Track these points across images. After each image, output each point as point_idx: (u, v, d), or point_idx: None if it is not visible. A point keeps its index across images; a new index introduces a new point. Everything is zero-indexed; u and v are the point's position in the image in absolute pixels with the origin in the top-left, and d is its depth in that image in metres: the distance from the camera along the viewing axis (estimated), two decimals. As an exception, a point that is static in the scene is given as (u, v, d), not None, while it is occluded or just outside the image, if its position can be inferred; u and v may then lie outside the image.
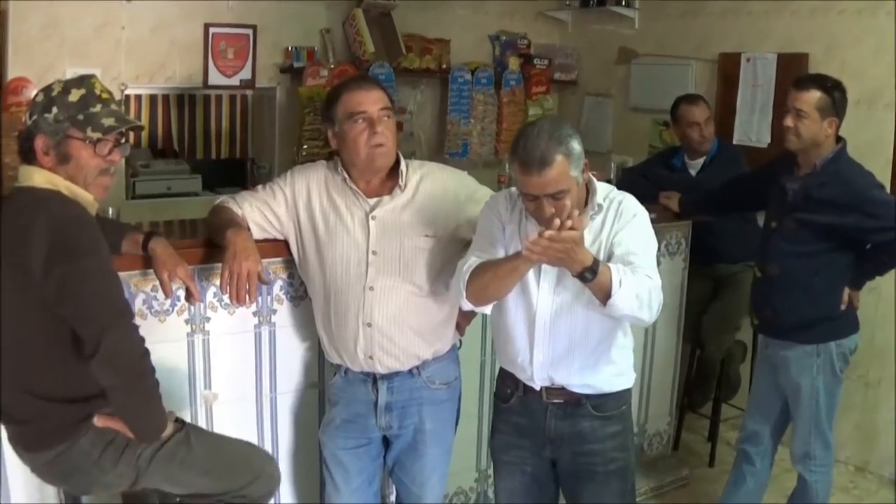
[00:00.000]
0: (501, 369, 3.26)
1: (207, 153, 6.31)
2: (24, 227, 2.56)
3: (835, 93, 3.80)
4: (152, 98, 6.01)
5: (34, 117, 2.66)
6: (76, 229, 2.62)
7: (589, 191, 2.97)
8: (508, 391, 3.18)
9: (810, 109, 3.77)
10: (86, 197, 2.72)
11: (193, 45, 5.64)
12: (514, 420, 3.17)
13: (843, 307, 3.92)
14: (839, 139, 3.88)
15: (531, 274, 2.93)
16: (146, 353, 2.68)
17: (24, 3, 5.00)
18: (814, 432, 4.02)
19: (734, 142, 5.67)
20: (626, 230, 2.90)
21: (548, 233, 2.61)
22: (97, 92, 2.72)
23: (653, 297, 2.79)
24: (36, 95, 2.71)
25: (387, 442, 3.48)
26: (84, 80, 2.74)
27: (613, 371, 3.06)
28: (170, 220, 4.19)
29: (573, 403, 3.05)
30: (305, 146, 5.86)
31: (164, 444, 2.86)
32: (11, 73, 5.01)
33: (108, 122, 2.71)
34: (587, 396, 3.04)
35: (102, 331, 2.55)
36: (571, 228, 2.62)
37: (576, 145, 2.79)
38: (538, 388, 3.07)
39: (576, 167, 2.79)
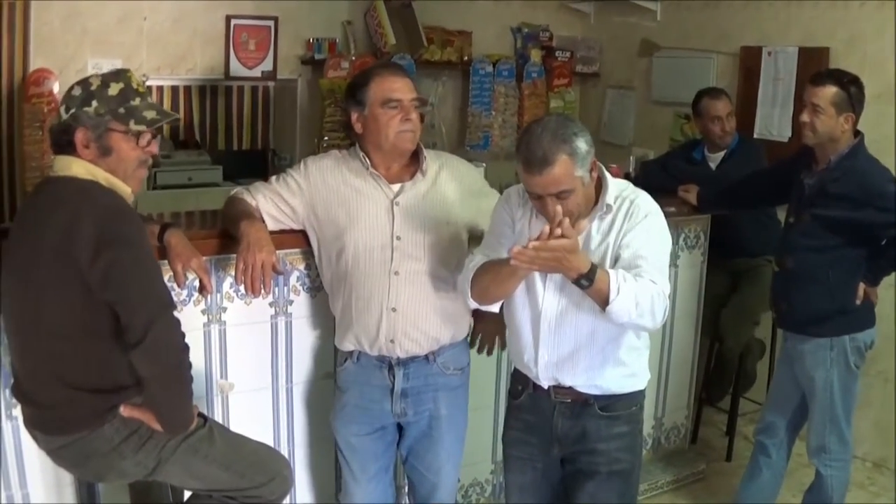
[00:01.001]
0: (515, 366, 3.25)
1: (229, 144, 6.33)
2: (69, 216, 2.60)
3: (851, 88, 3.78)
4: (174, 89, 6.03)
5: (72, 111, 2.69)
6: (123, 219, 2.67)
7: (600, 189, 2.91)
8: (520, 388, 3.16)
9: (826, 105, 3.76)
10: (123, 188, 2.76)
11: (215, 37, 5.69)
12: (524, 417, 3.15)
13: (857, 302, 3.90)
14: (857, 134, 3.86)
15: (537, 274, 2.89)
16: (187, 347, 2.74)
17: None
18: (829, 426, 4.01)
19: (755, 135, 5.64)
20: (635, 231, 2.83)
21: (532, 243, 2.57)
22: (134, 86, 2.77)
23: (656, 304, 2.71)
24: (72, 89, 2.73)
25: (399, 430, 3.49)
26: (121, 74, 2.78)
27: (623, 372, 3.00)
28: (190, 210, 4.21)
29: (581, 403, 3.02)
30: (326, 137, 5.87)
31: (188, 437, 2.89)
32: (34, 64, 5.07)
33: (150, 115, 2.77)
34: (595, 397, 3.00)
35: (150, 321, 2.60)
36: (562, 236, 2.57)
37: (581, 144, 2.74)
38: (546, 387, 3.04)
39: (581, 166, 2.74)
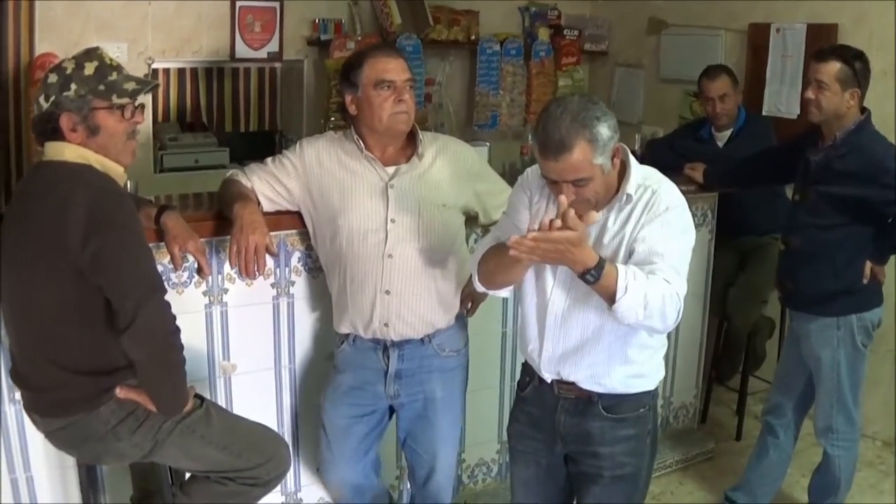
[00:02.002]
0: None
1: (236, 126, 6.31)
2: (61, 198, 2.61)
3: (856, 63, 3.75)
4: (180, 72, 6.02)
5: (53, 98, 2.68)
6: (114, 202, 2.68)
7: (623, 176, 2.73)
8: (527, 379, 3.05)
9: (831, 81, 3.72)
10: (116, 169, 2.77)
11: (220, 19, 5.64)
12: (529, 410, 3.04)
13: (864, 281, 3.87)
14: (864, 111, 3.83)
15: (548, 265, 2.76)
16: (177, 329, 2.75)
17: (48, -22, 5.04)
18: (836, 406, 3.99)
19: (763, 113, 5.59)
20: (653, 225, 2.65)
21: (532, 234, 2.44)
22: (108, 62, 2.77)
23: (667, 306, 2.54)
24: (46, 77, 2.73)
25: (391, 413, 3.50)
26: (92, 53, 2.78)
27: (630, 372, 2.84)
28: (198, 192, 4.21)
29: (584, 400, 2.89)
30: (332, 118, 5.83)
31: (184, 419, 2.91)
32: (39, 49, 5.04)
33: (130, 86, 2.77)
34: (599, 395, 2.86)
35: (138, 305, 2.61)
36: (567, 228, 2.43)
37: (604, 129, 2.56)
38: (549, 381, 2.93)
39: (601, 154, 2.57)
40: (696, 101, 6.05)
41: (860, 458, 4.35)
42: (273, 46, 5.85)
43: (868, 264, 3.88)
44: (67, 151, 2.70)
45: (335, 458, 3.46)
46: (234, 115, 6.27)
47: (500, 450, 4.37)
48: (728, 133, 5.14)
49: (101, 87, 2.71)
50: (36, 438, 3.20)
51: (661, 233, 2.64)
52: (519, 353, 4.06)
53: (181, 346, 2.76)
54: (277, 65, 6.21)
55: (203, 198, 3.94)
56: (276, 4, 5.78)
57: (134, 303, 2.61)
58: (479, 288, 2.98)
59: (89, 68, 2.71)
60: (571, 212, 2.45)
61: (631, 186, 2.70)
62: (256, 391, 3.66)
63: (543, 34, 6.84)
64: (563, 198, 2.50)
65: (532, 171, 2.89)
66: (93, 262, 2.59)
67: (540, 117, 2.63)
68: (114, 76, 2.74)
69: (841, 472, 4.08)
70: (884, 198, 3.70)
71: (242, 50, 5.72)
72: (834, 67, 3.73)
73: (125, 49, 5.25)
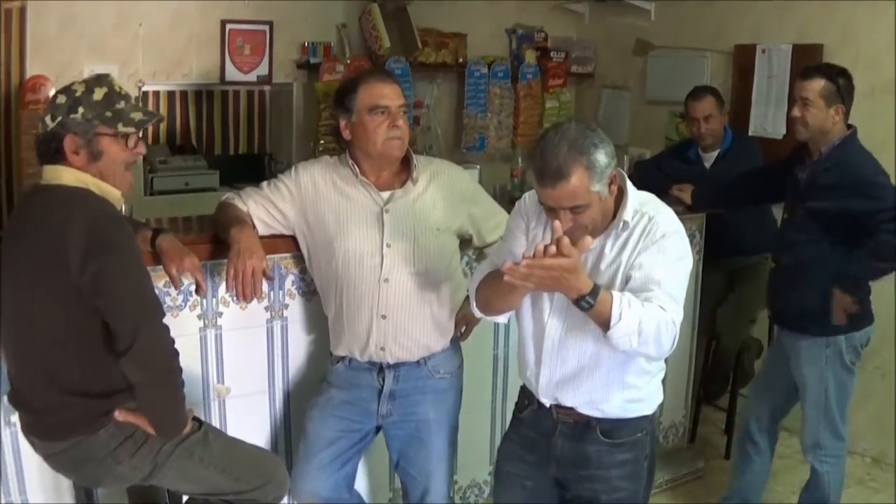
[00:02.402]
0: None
1: (225, 149, 6.34)
2: (60, 223, 2.62)
3: (839, 80, 3.82)
4: (170, 94, 6.05)
5: (59, 118, 2.70)
6: (112, 225, 2.69)
7: (619, 204, 2.74)
8: (525, 402, 3.04)
9: (815, 97, 3.80)
10: (113, 194, 2.78)
11: (210, 42, 5.68)
12: (525, 432, 3.03)
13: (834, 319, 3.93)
14: (850, 127, 3.89)
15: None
16: (176, 352, 2.76)
17: (42, 1, 5.04)
18: (823, 422, 4.03)
19: (749, 133, 5.64)
20: (649, 252, 2.65)
21: (525, 261, 2.44)
22: (117, 89, 2.79)
23: (662, 333, 2.52)
24: (55, 97, 2.75)
25: (377, 432, 3.50)
26: (102, 79, 2.80)
27: (629, 397, 2.83)
28: (188, 216, 4.22)
29: (583, 425, 2.88)
30: (322, 141, 5.88)
31: (183, 441, 2.91)
32: (30, 70, 5.07)
33: (137, 116, 2.79)
34: (598, 420, 2.85)
35: (137, 328, 2.63)
36: (561, 254, 2.43)
37: (601, 157, 2.56)
38: (548, 406, 2.92)
39: (598, 181, 2.58)
40: (682, 122, 6.10)
41: (849, 476, 4.38)
42: (262, 69, 5.88)
43: (836, 292, 3.90)
44: (65, 175, 2.71)
45: (310, 468, 3.41)
46: (224, 138, 6.30)
47: (492, 471, 4.34)
48: (715, 154, 5.17)
49: (109, 114, 2.73)
50: (32, 463, 3.20)
51: (657, 260, 2.64)
52: (511, 375, 4.13)
53: (180, 369, 2.77)
54: (267, 88, 6.25)
55: (193, 221, 3.95)
56: (266, 27, 5.82)
57: (133, 326, 2.62)
58: (477, 314, 2.99)
59: (98, 94, 2.73)
60: (566, 239, 2.45)
61: (628, 213, 2.71)
62: (250, 414, 3.66)
63: (530, 56, 6.89)
64: (557, 223, 2.51)
65: (529, 197, 2.89)
66: (92, 284, 2.60)
67: (537, 144, 2.64)
68: (122, 104, 2.77)
69: (830, 488, 4.10)
70: (869, 208, 3.73)
71: (232, 73, 5.76)
72: (818, 84, 3.81)
73: (116, 71, 5.25)
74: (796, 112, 3.85)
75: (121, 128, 2.75)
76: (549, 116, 6.95)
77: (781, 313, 4.16)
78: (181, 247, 3.13)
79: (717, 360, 5.35)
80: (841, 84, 3.82)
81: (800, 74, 3.94)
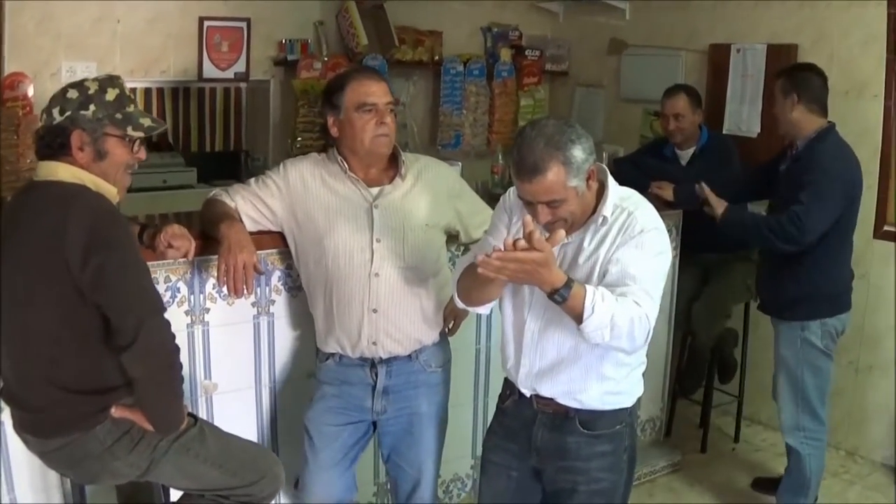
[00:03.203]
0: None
1: (202, 146, 6.34)
2: (59, 218, 2.62)
3: (792, 73, 4.18)
4: (147, 91, 6.04)
5: (68, 113, 2.71)
6: (112, 222, 2.70)
7: (600, 198, 2.77)
8: (507, 392, 3.07)
9: (777, 93, 4.14)
10: (110, 190, 2.79)
11: (188, 39, 5.67)
12: (507, 423, 3.07)
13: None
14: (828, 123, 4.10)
15: None
16: (177, 348, 2.78)
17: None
18: (800, 404, 4.19)
19: (724, 131, 5.68)
20: (626, 247, 2.68)
21: (496, 254, 2.45)
22: (127, 92, 2.81)
23: (636, 327, 2.56)
24: (65, 91, 2.75)
25: (373, 427, 3.52)
26: (115, 81, 2.82)
27: (607, 389, 2.86)
28: (164, 213, 4.23)
29: (562, 415, 2.91)
30: (300, 138, 5.89)
31: (179, 437, 2.93)
32: (8, 68, 5.03)
33: (146, 122, 2.82)
34: (576, 410, 2.88)
35: (140, 323, 2.63)
36: (532, 248, 2.45)
37: (578, 152, 2.59)
38: (528, 396, 2.96)
39: (575, 176, 2.61)
40: (656, 120, 6.15)
41: (825, 469, 4.45)
42: (240, 66, 5.88)
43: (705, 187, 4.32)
44: (62, 171, 2.72)
45: (321, 467, 3.44)
46: (200, 135, 6.30)
47: (474, 465, 4.41)
48: (691, 151, 5.23)
49: (119, 116, 2.75)
50: (20, 461, 3.21)
51: (634, 255, 2.67)
52: (493, 371, 4.16)
53: (180, 365, 2.79)
54: (244, 85, 6.25)
55: (170, 218, 3.96)
56: (244, 24, 5.82)
57: (136, 321, 2.63)
58: (460, 304, 3.02)
59: (111, 94, 2.75)
60: (537, 233, 2.48)
61: (607, 208, 2.74)
62: (237, 410, 3.68)
63: (505, 55, 6.93)
64: (527, 218, 2.56)
65: (513, 192, 2.92)
66: (93, 281, 2.61)
67: (515, 140, 2.68)
68: (131, 108, 2.79)
69: (812, 472, 4.24)
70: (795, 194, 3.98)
71: (210, 70, 5.75)
72: (778, 82, 4.15)
73: (94, 68, 5.22)
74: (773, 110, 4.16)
75: (130, 131, 2.77)
76: (523, 114, 6.99)
77: (766, 302, 4.36)
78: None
79: (692, 355, 5.39)
80: (792, 77, 4.12)
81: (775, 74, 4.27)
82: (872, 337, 5.10)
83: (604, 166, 2.81)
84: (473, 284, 2.84)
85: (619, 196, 2.79)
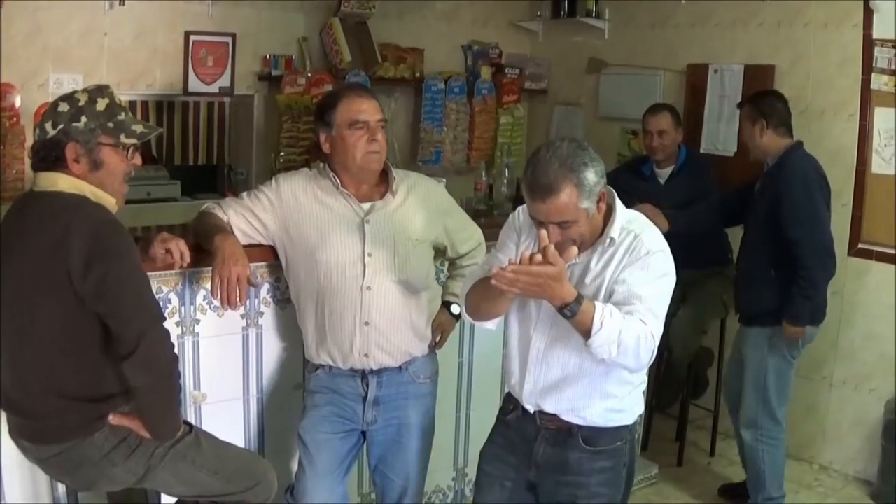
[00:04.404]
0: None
1: (185, 159, 6.36)
2: (61, 229, 2.67)
3: (759, 101, 4.41)
4: (132, 104, 6.05)
5: (61, 126, 2.76)
6: (113, 232, 2.75)
7: (607, 220, 2.84)
8: (510, 407, 3.13)
9: (743, 121, 4.44)
10: (109, 201, 2.84)
11: (174, 53, 5.70)
12: (508, 434, 3.12)
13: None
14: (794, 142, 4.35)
15: (532, 299, 2.86)
16: (176, 358, 2.83)
17: (8, 9, 5.04)
18: (761, 404, 4.42)
19: (701, 150, 5.78)
20: (633, 268, 2.75)
21: (511, 267, 2.55)
22: (117, 101, 2.86)
23: (641, 345, 2.63)
24: (56, 105, 2.80)
25: (363, 438, 3.56)
26: (104, 90, 2.87)
27: (609, 406, 2.92)
28: (148, 225, 4.26)
29: (565, 432, 2.97)
30: (283, 153, 5.93)
31: (175, 444, 2.97)
32: (-5, 78, 5.08)
33: (139, 128, 2.87)
34: (579, 427, 2.94)
35: (141, 333, 2.68)
36: (547, 263, 2.55)
37: (590, 175, 2.67)
38: (532, 412, 3.02)
39: (587, 198, 2.68)
40: (634, 138, 6.25)
41: (798, 481, 4.57)
42: (225, 81, 5.90)
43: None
44: (62, 182, 2.77)
45: (319, 474, 3.47)
46: (184, 149, 6.32)
47: (455, 477, 4.46)
48: (669, 170, 5.28)
49: (111, 125, 2.80)
50: (11, 467, 3.23)
51: (640, 276, 2.74)
52: (475, 382, 4.22)
53: (179, 374, 2.84)
54: (227, 99, 6.27)
55: (153, 230, 3.99)
56: (229, 40, 5.85)
57: (137, 330, 2.68)
58: (468, 319, 3.08)
59: (101, 104, 2.80)
60: (552, 247, 2.58)
61: (615, 230, 2.81)
62: (225, 420, 3.70)
63: (486, 73, 6.99)
64: (543, 232, 2.64)
65: (522, 211, 2.99)
66: (96, 290, 2.66)
67: (530, 160, 2.76)
68: (122, 116, 2.84)
69: (765, 465, 4.46)
70: (786, 217, 4.20)
71: (195, 84, 5.77)
72: (744, 111, 4.44)
73: (80, 80, 5.24)
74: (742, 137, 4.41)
75: (123, 139, 2.82)
76: (503, 131, 7.07)
77: (743, 314, 4.56)
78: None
79: (669, 371, 5.46)
80: (758, 104, 4.37)
81: (737, 106, 4.59)
82: (846, 352, 5.21)
83: (612, 190, 2.88)
84: (483, 299, 2.90)
85: (626, 218, 2.87)
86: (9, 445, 3.07)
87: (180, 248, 3.18)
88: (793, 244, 4.19)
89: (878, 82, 4.95)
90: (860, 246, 5.10)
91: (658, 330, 2.71)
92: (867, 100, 5.02)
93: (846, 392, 5.26)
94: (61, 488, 3.29)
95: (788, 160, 4.29)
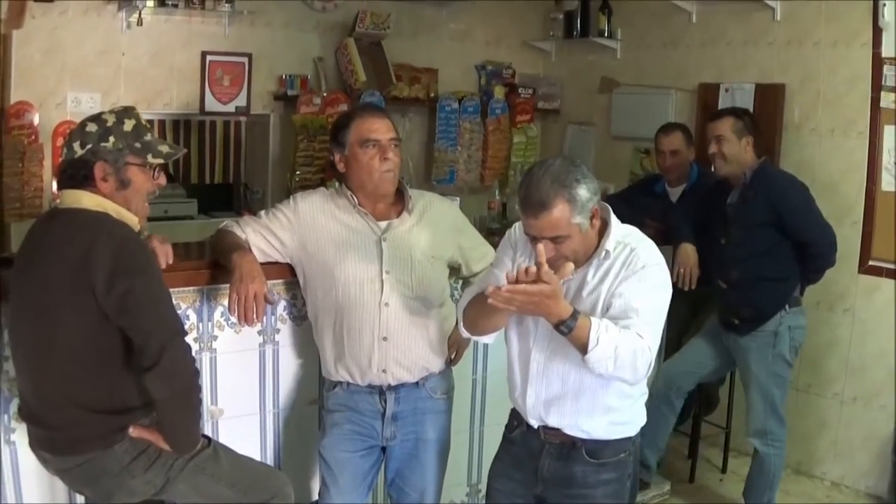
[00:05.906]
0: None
1: (201, 178, 6.39)
2: (86, 245, 2.73)
3: (745, 117, 4.48)
4: (149, 123, 6.09)
5: (89, 146, 2.84)
6: (136, 248, 2.82)
7: (602, 235, 2.88)
8: (515, 423, 3.17)
9: (729, 133, 4.43)
10: (131, 219, 2.91)
11: (191, 73, 5.80)
12: (514, 451, 3.16)
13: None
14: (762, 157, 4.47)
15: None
16: (197, 372, 2.88)
17: (26, 28, 5.13)
18: (769, 411, 4.50)
19: (713, 169, 5.79)
20: (629, 282, 2.78)
21: (506, 286, 2.58)
22: (143, 122, 2.94)
23: (638, 359, 2.68)
24: (84, 125, 2.88)
25: (383, 453, 3.60)
26: (130, 112, 2.96)
27: (612, 419, 2.96)
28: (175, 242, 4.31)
29: (569, 445, 3.00)
30: (298, 172, 6.00)
31: (194, 457, 3.01)
32: (14, 96, 5.14)
33: (165, 149, 2.97)
34: (583, 440, 2.97)
35: (163, 346, 2.73)
36: (540, 281, 2.58)
37: (582, 191, 2.72)
38: (536, 427, 3.05)
39: (580, 213, 2.73)
40: (646, 157, 6.28)
41: (810, 497, 4.57)
42: (241, 101, 5.99)
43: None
44: (86, 199, 2.84)
45: (343, 492, 3.51)
46: (201, 168, 6.35)
47: (469, 492, 4.48)
48: (681, 189, 5.32)
49: (138, 145, 2.88)
50: (30, 481, 3.28)
51: (636, 289, 2.78)
52: (489, 399, 4.24)
53: (200, 387, 2.89)
54: (244, 118, 6.34)
55: (180, 248, 4.05)
56: (245, 60, 5.93)
57: (159, 344, 2.73)
58: (465, 334, 3.14)
59: (128, 125, 2.88)
60: (545, 266, 2.62)
61: (610, 244, 2.85)
62: (241, 435, 3.72)
63: (499, 92, 7.05)
64: (540, 247, 2.69)
65: (518, 227, 3.04)
66: (118, 305, 2.72)
67: (524, 178, 2.82)
68: (149, 137, 2.92)
69: (776, 470, 4.53)
70: (793, 224, 4.31)
71: (211, 103, 5.86)
72: (729, 122, 4.46)
73: (98, 99, 5.36)
74: (713, 149, 4.45)
75: (150, 158, 2.90)
76: (516, 151, 7.12)
77: (740, 326, 4.55)
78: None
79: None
80: (746, 121, 4.44)
81: (709, 118, 4.62)
82: (857, 369, 5.22)
83: (607, 206, 2.92)
84: (480, 315, 2.95)
85: (622, 233, 2.91)
86: (27, 461, 3.13)
87: (164, 250, 3.26)
88: (809, 245, 4.36)
89: (888, 100, 4.97)
90: (870, 263, 5.11)
91: (655, 342, 2.75)
92: (876, 118, 5.04)
93: (857, 409, 5.26)
94: (80, 499, 3.32)
95: (769, 173, 4.42)
